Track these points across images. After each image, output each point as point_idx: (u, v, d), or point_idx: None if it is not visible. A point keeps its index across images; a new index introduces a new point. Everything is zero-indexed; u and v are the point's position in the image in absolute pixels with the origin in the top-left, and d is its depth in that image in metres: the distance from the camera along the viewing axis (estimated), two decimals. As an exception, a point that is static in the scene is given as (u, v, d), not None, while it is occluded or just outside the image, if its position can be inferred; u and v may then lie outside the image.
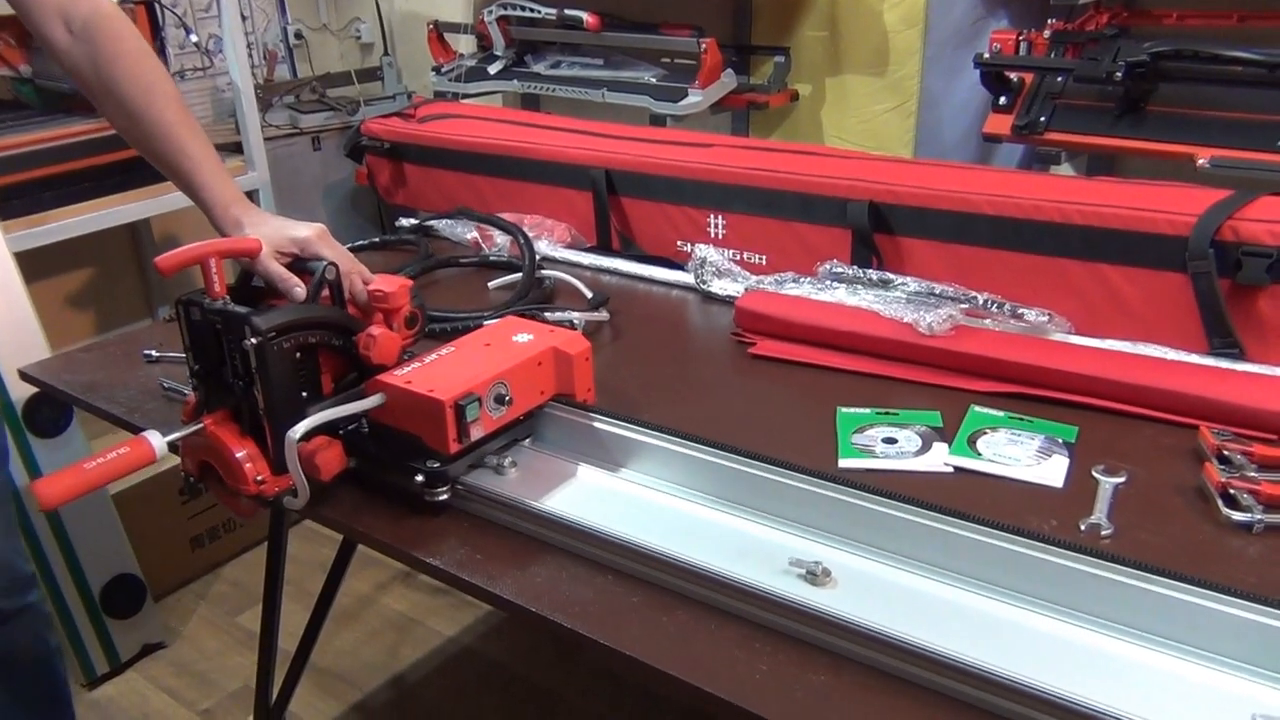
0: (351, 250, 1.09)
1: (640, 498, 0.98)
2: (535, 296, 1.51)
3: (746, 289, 1.45)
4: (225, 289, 0.98)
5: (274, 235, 1.03)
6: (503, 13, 2.73)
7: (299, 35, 3.35)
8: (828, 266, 1.45)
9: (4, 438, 1.32)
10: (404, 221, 1.89)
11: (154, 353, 1.37)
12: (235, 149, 2.58)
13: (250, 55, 3.12)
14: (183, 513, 2.21)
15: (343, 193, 2.93)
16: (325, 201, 2.94)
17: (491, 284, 1.58)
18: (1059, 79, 2.04)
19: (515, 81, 2.72)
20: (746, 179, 1.59)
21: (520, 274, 1.55)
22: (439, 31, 2.92)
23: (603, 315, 1.41)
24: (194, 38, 2.91)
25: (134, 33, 1.08)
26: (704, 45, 2.37)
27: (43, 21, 1.05)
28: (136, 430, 0.99)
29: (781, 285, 1.44)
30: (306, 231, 1.04)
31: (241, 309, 0.95)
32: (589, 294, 1.48)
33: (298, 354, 0.98)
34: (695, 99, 2.37)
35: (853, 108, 2.47)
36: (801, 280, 1.44)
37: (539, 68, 2.72)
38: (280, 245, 1.03)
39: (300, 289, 1.01)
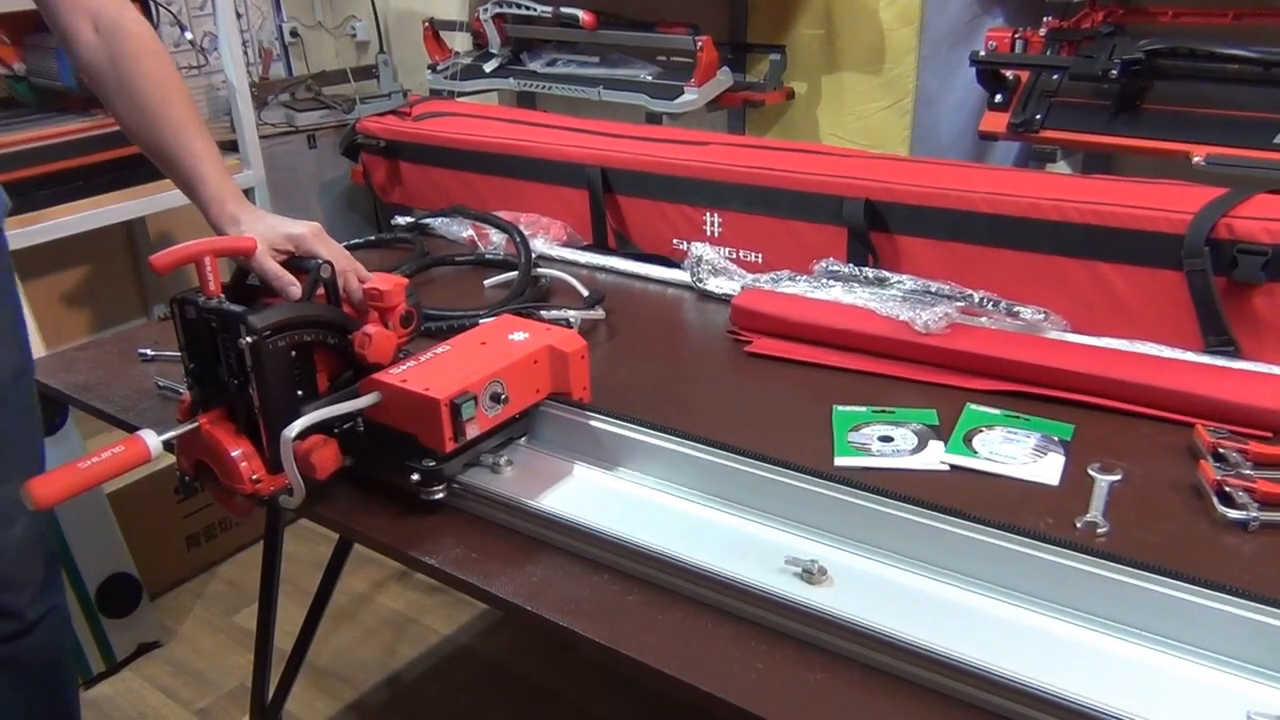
0: (347, 248, 1.08)
1: (637, 496, 0.98)
2: (531, 295, 1.51)
3: (743, 287, 1.45)
4: (220, 287, 0.98)
5: (270, 233, 1.03)
6: (499, 10, 2.72)
7: (294, 33, 3.35)
8: (824, 265, 1.45)
9: (40, 440, 1.31)
10: (400, 220, 1.89)
11: (149, 351, 1.37)
12: (230, 147, 2.58)
13: (245, 53, 3.11)
14: (178, 511, 2.20)
15: (339, 191, 2.93)
16: (321, 200, 2.93)
17: (487, 282, 1.58)
18: (1055, 77, 2.04)
19: (511, 79, 2.72)
20: (742, 177, 1.59)
21: (516, 272, 1.55)
22: (435, 29, 2.91)
23: (599, 313, 1.41)
24: (189, 35, 2.91)
25: (155, 38, 1.12)
26: (700, 43, 2.36)
27: (73, 20, 1.08)
28: (132, 429, 0.99)
29: (778, 283, 1.44)
30: (302, 229, 1.03)
31: (236, 308, 0.95)
32: (585, 292, 1.48)
33: (293, 352, 0.98)
34: (691, 97, 2.36)
35: (849, 106, 2.47)
36: (798, 278, 1.44)
37: (535, 66, 2.71)
38: (276, 243, 1.03)
39: (295, 287, 1.01)
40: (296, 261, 1.05)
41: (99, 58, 1.09)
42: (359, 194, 2.85)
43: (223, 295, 0.98)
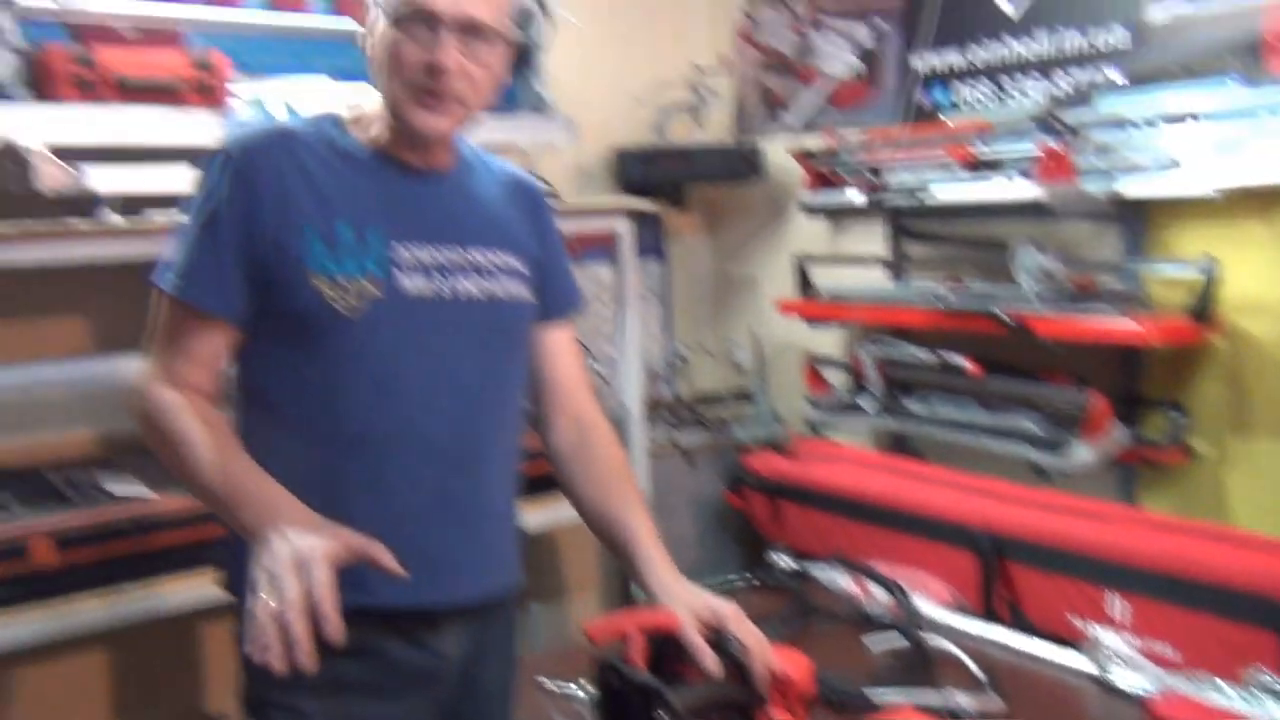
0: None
1: None
2: (915, 664, 1.46)
3: (1160, 690, 1.32)
4: (644, 655, 1.04)
5: (697, 605, 1.10)
6: (879, 352, 2.82)
7: (681, 357, 3.63)
8: (1259, 676, 1.30)
9: None
10: (778, 560, 1.92)
11: (549, 685, 1.45)
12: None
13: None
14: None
15: (712, 510, 3.04)
16: (697, 518, 3.05)
17: (869, 642, 1.55)
18: None
19: (889, 420, 2.76)
20: (1153, 563, 1.50)
21: (898, 634, 1.52)
22: (815, 366, 3.05)
23: (997, 703, 1.34)
24: (596, 365, 3.22)
25: (611, 430, 1.34)
26: (1089, 398, 2.30)
27: (556, 413, 1.32)
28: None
29: (1200, 689, 1.31)
30: (726, 609, 1.10)
31: (658, 683, 1.00)
32: (980, 675, 1.41)
33: (704, 731, 1.01)
34: (1081, 454, 2.27)
35: (1262, 473, 2.27)
36: (1225, 687, 1.30)
37: (913, 407, 2.75)
38: (701, 615, 1.09)
39: (714, 663, 1.05)
40: (712, 633, 1.10)
41: (569, 443, 1.30)
42: (731, 516, 2.95)
43: (644, 667, 1.03)
